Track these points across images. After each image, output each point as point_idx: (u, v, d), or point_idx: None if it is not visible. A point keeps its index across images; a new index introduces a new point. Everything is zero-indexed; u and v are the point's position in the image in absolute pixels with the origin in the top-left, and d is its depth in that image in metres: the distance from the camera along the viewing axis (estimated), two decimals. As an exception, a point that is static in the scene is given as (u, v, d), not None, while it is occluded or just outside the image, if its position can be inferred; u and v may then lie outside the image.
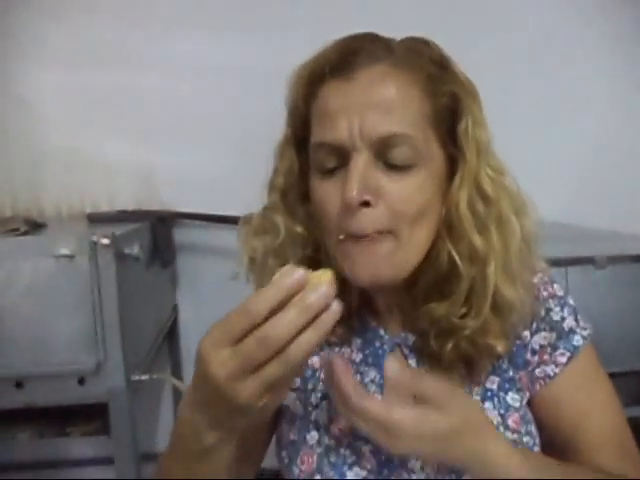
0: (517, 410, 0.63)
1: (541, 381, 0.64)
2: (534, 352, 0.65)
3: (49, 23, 1.70)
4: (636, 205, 1.82)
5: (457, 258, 0.58)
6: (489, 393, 0.63)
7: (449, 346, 0.59)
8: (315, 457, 0.63)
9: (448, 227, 0.59)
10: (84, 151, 1.74)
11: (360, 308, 0.67)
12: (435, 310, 0.59)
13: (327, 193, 0.58)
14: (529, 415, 0.64)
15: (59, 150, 1.74)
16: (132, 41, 1.72)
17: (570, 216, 1.66)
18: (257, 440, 0.69)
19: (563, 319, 0.65)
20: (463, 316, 0.58)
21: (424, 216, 0.57)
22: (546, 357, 0.64)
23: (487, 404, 0.62)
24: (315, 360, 0.68)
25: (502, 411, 0.62)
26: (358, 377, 0.65)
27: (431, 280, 0.60)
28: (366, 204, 0.55)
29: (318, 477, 0.62)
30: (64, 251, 1.12)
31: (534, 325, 0.65)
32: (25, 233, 1.30)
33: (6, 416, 1.24)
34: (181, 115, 1.75)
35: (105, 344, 1.18)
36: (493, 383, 0.63)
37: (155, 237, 1.56)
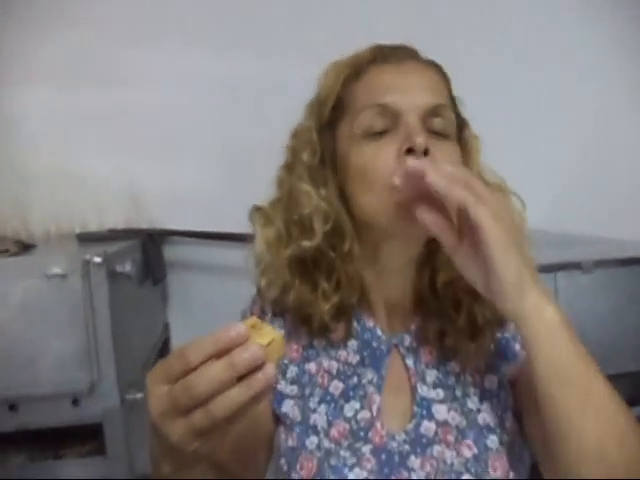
0: (510, 409, 0.64)
1: (512, 360, 0.67)
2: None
3: (34, 41, 1.70)
4: (619, 209, 1.85)
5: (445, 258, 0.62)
6: (488, 393, 0.65)
7: (439, 331, 0.64)
8: (315, 461, 0.63)
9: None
10: (71, 170, 1.73)
11: (358, 308, 0.69)
12: (430, 307, 0.65)
13: (376, 153, 0.62)
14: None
15: (46, 169, 1.72)
16: (118, 59, 1.72)
17: (555, 223, 1.69)
18: (256, 449, 0.70)
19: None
20: (455, 310, 0.64)
21: None
22: None
23: (484, 405, 0.64)
24: (312, 366, 0.69)
25: (500, 412, 0.64)
26: (355, 379, 0.66)
27: (424, 275, 0.67)
28: (426, 152, 0.59)
29: None
30: (56, 270, 1.12)
31: None
32: (15, 254, 1.29)
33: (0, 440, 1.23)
34: (168, 133, 1.76)
35: (99, 363, 1.17)
36: (492, 382, 0.66)
37: (146, 255, 1.56)
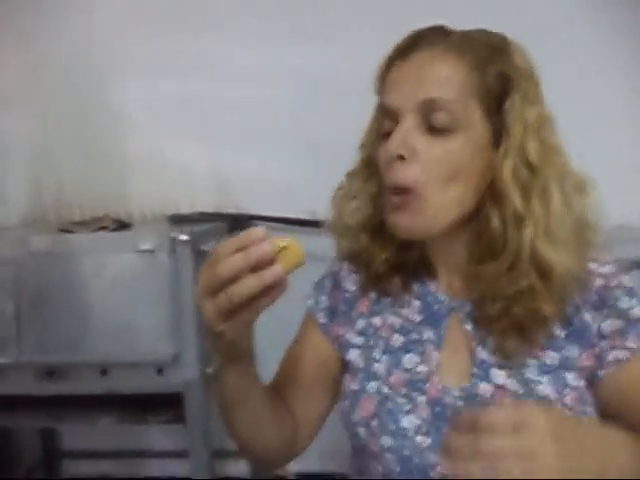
0: (575, 389, 0.64)
1: (612, 365, 0.64)
2: (604, 337, 0.65)
3: (134, 36, 1.80)
4: None
5: (501, 221, 0.64)
6: (547, 368, 0.65)
7: (499, 309, 0.64)
8: (373, 403, 0.68)
9: (494, 193, 0.64)
10: (167, 156, 1.82)
11: (420, 272, 0.74)
12: (485, 271, 0.65)
13: (381, 153, 0.67)
14: (588, 397, 0.65)
15: (144, 156, 1.83)
16: (211, 51, 1.79)
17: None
18: (320, 389, 0.77)
19: (631, 308, 0.65)
20: (510, 278, 0.63)
21: (457, 178, 0.64)
22: (617, 342, 0.65)
23: (544, 378, 0.64)
24: (377, 320, 0.74)
25: (559, 388, 0.63)
26: (415, 335, 0.71)
27: (481, 243, 0.66)
28: (401, 158, 0.64)
29: (375, 422, 0.67)
30: (146, 246, 1.19)
31: (605, 311, 0.66)
32: (113, 231, 1.39)
33: (90, 402, 1.32)
34: (258, 121, 1.80)
35: (182, 336, 1.23)
36: (553, 359, 0.65)
37: (231, 237, 1.61)
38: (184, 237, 1.17)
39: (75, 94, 1.81)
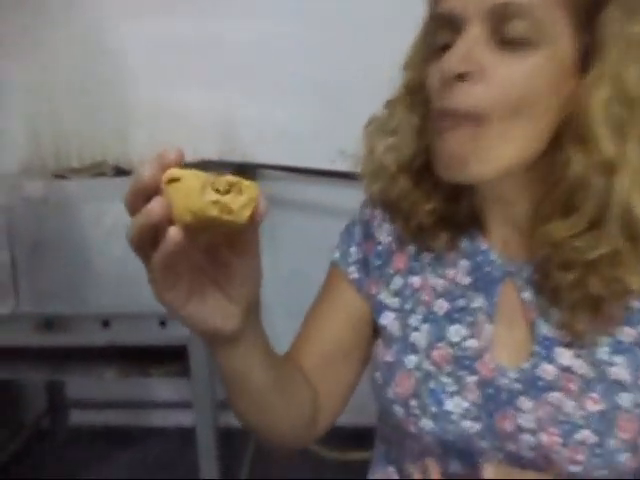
0: None
1: None
2: None
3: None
4: None
5: (584, 167, 0.50)
6: (622, 346, 0.55)
7: (572, 278, 0.52)
8: (412, 381, 0.58)
9: (576, 130, 0.50)
10: (168, 102, 1.75)
11: (470, 226, 0.61)
12: (555, 230, 0.52)
13: (433, 73, 0.53)
14: None
15: (146, 101, 1.76)
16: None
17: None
18: (347, 358, 0.65)
19: None
20: (589, 240, 0.51)
21: (531, 107, 0.50)
22: None
23: (618, 358, 0.54)
24: (416, 280, 0.62)
25: (635, 369, 0.54)
26: (463, 301, 0.59)
27: (553, 193, 0.53)
28: (462, 77, 0.50)
29: (414, 402, 0.57)
30: (147, 193, 1.13)
31: None
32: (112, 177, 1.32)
33: (94, 355, 1.29)
34: (264, 66, 1.72)
35: (185, 287, 1.18)
36: (629, 336, 0.54)
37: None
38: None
39: (74, 39, 1.72)
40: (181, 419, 1.77)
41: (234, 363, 0.49)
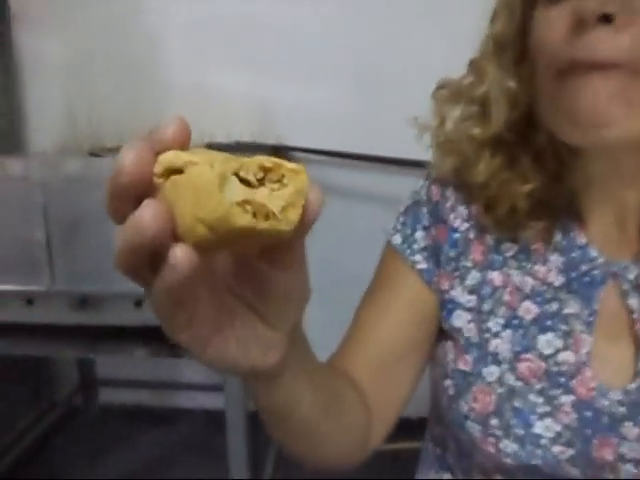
0: None
1: None
2: None
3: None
4: None
5: None
6: None
7: None
8: (493, 397, 0.50)
9: None
10: (204, 83, 1.74)
11: (565, 216, 0.52)
12: None
13: (551, 20, 0.43)
14: None
15: (180, 82, 1.75)
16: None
17: None
18: (406, 360, 0.55)
19: None
20: None
21: None
22: None
23: None
24: (496, 276, 0.52)
25: None
26: (555, 306, 0.50)
27: None
28: (607, 19, 0.40)
29: (494, 421, 0.49)
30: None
31: None
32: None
33: (126, 334, 1.29)
34: (302, 49, 1.70)
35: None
36: None
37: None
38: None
39: (111, 20, 1.72)
40: (209, 401, 1.78)
41: (276, 398, 0.37)
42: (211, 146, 1.53)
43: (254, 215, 0.23)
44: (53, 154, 1.66)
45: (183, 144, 0.25)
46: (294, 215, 0.24)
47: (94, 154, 1.36)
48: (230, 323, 0.29)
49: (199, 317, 0.28)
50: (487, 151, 0.50)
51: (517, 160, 0.50)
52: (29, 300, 1.21)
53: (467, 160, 0.51)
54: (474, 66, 0.52)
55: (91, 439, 1.79)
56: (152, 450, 1.70)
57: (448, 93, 0.53)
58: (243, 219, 0.23)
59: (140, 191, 0.24)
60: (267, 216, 0.23)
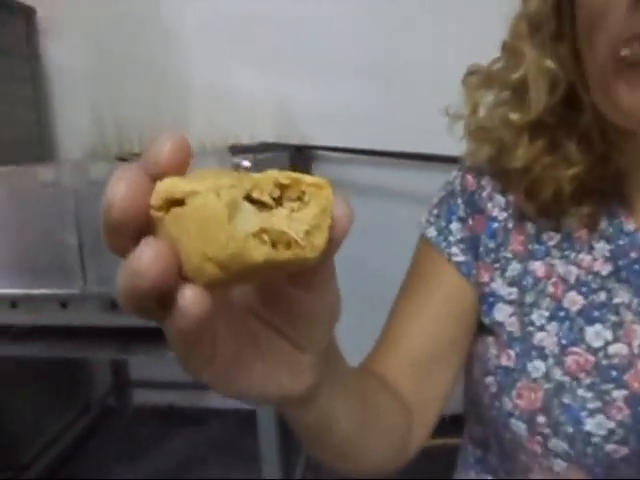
0: None
1: None
2: None
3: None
4: None
5: None
6: None
7: None
8: (541, 394, 0.47)
9: None
10: (227, 85, 1.75)
11: (611, 201, 0.49)
12: None
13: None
14: None
15: (204, 84, 1.77)
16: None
17: None
18: (442, 358, 0.52)
19: None
20: None
21: None
22: None
23: None
24: (538, 266, 0.50)
25: None
26: (603, 296, 0.48)
27: None
28: None
29: (542, 419, 0.47)
30: (208, 174, 1.13)
31: None
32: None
33: (158, 335, 1.31)
34: (324, 48, 1.70)
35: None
36: None
37: (293, 166, 1.54)
38: (246, 163, 1.10)
39: (134, 23, 1.75)
40: (239, 402, 1.79)
41: (311, 419, 0.35)
42: (235, 147, 1.54)
43: (273, 245, 0.20)
44: (82, 160, 1.69)
45: (182, 164, 0.21)
46: (320, 239, 0.21)
47: (121, 159, 1.38)
48: (255, 352, 0.27)
49: (220, 353, 0.25)
50: (526, 136, 0.48)
51: (560, 143, 0.47)
52: (63, 303, 1.23)
53: (504, 146, 0.49)
54: (508, 49, 0.49)
55: (125, 440, 1.82)
56: (185, 450, 1.72)
57: (479, 79, 0.51)
58: (261, 252, 0.19)
59: (137, 225, 0.21)
60: (289, 244, 0.20)
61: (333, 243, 0.22)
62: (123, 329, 1.29)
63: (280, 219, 0.20)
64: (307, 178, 0.21)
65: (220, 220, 0.19)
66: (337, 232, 0.22)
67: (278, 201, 0.20)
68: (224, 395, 0.27)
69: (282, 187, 0.21)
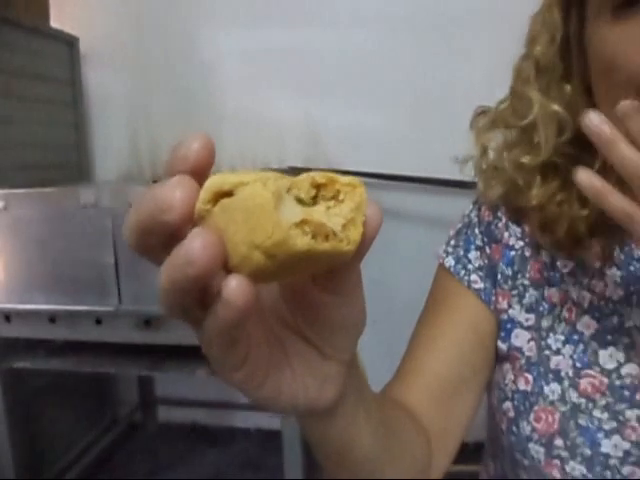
0: None
1: None
2: None
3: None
4: None
5: None
6: None
7: None
8: (557, 416, 0.48)
9: None
10: (257, 110, 1.80)
11: (621, 228, 0.51)
12: None
13: (623, 37, 0.41)
14: None
15: (235, 111, 1.81)
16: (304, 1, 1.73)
17: None
18: (467, 383, 0.52)
19: None
20: None
21: None
22: None
23: None
24: (553, 293, 0.51)
25: None
26: (615, 320, 0.49)
27: None
28: None
29: (559, 441, 0.48)
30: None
31: None
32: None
33: (188, 353, 1.34)
34: (350, 73, 1.74)
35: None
36: None
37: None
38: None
39: (170, 51, 1.82)
40: (265, 421, 1.80)
41: (333, 434, 0.34)
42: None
43: (313, 236, 0.21)
44: (119, 182, 1.75)
45: (209, 161, 0.23)
46: (356, 233, 0.22)
47: (156, 181, 1.43)
48: (284, 357, 0.28)
49: (253, 354, 0.26)
50: (538, 176, 0.49)
51: (572, 182, 0.48)
52: (98, 320, 1.28)
53: (517, 187, 0.51)
54: (515, 93, 0.51)
55: (150, 456, 1.84)
56: (209, 469, 1.73)
57: (487, 120, 0.53)
58: (303, 242, 0.21)
59: (186, 225, 0.22)
60: (327, 236, 0.21)
61: (365, 239, 0.23)
62: (155, 346, 1.33)
63: (319, 214, 0.22)
64: (341, 178, 0.23)
65: (267, 208, 0.20)
66: (369, 230, 0.24)
67: (314, 200, 0.22)
68: (253, 400, 0.27)
69: (318, 187, 0.22)
